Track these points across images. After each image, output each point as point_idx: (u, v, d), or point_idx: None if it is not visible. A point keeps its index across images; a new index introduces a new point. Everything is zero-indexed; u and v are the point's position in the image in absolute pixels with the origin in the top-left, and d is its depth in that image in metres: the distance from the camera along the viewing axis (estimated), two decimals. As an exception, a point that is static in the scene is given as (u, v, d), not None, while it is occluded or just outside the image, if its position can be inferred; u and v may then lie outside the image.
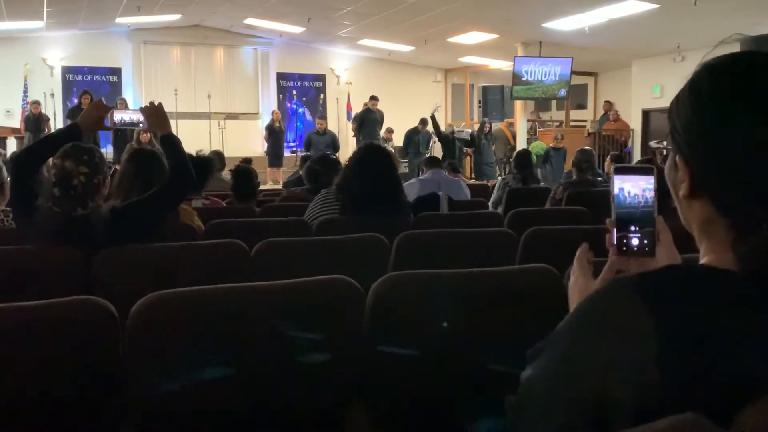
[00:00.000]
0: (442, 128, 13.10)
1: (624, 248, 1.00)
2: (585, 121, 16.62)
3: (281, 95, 16.60)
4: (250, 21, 14.50)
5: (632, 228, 1.00)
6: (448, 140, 12.21)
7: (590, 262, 1.08)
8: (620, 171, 1.00)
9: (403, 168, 11.72)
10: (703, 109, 0.85)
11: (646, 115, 14.77)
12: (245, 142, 15.13)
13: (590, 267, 1.09)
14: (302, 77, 16.81)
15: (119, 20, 13.71)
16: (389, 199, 3.52)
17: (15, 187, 2.64)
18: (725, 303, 0.78)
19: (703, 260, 0.89)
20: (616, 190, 1.00)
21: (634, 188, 0.99)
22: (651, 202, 0.99)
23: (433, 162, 6.16)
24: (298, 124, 16.51)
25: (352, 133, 13.96)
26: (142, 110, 2.88)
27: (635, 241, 0.99)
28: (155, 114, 2.85)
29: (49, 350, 1.58)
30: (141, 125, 2.91)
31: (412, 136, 13.16)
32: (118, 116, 2.88)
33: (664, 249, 1.03)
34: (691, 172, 0.87)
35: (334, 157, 5.88)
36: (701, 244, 0.90)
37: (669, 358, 0.75)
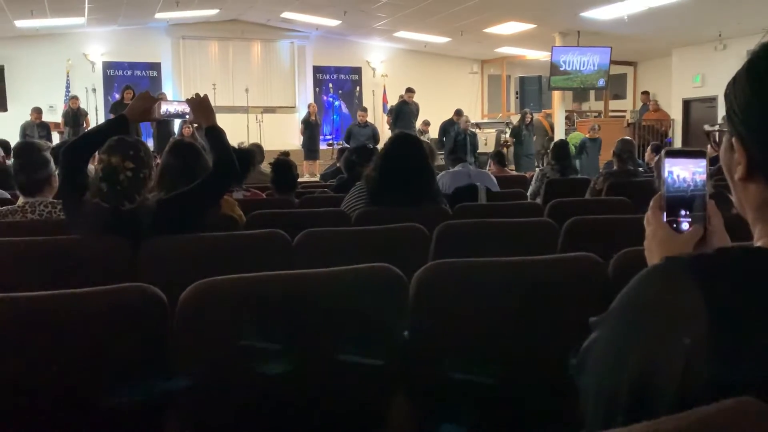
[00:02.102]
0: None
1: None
2: (624, 111, 16.39)
3: (318, 88, 16.67)
4: (286, 15, 14.58)
5: (682, 212, 0.98)
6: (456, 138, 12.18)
7: (662, 209, 1.03)
8: (671, 154, 0.99)
9: (440, 160, 11.69)
10: (761, 89, 0.84)
11: (686, 104, 14.53)
12: (282, 135, 15.23)
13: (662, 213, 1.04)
14: (338, 70, 16.85)
15: (158, 15, 13.89)
16: (420, 189, 3.52)
17: (65, 179, 2.69)
18: None
19: (757, 243, 0.88)
20: (665, 174, 0.99)
21: (683, 172, 0.98)
22: (702, 186, 0.98)
23: (458, 158, 6.25)
24: (335, 116, 16.56)
25: (388, 126, 13.98)
26: (189, 102, 2.92)
27: (685, 226, 0.99)
28: (201, 106, 2.89)
29: (101, 336, 1.62)
30: (187, 116, 2.96)
31: (447, 127, 13.12)
32: (165, 107, 2.93)
33: (715, 233, 1.02)
34: (748, 154, 0.86)
35: (372, 147, 5.90)
36: (755, 228, 0.89)
37: (721, 340, 0.74)
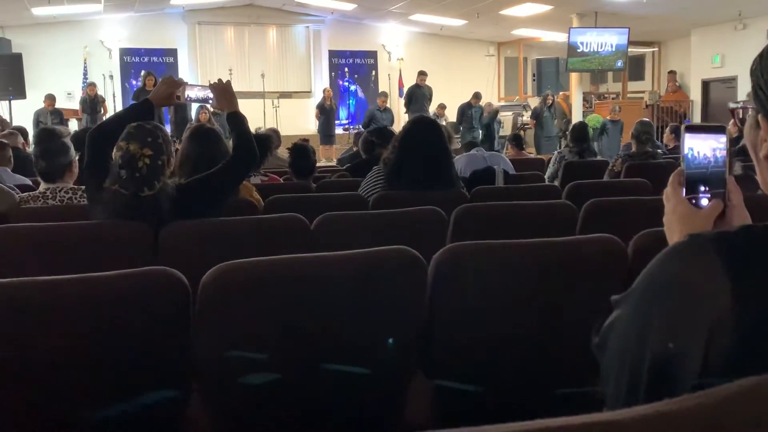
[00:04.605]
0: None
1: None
2: (643, 92, 16.23)
3: (333, 73, 16.63)
4: (301, -1, 14.56)
5: (702, 188, 0.98)
6: (488, 129, 12.13)
7: (681, 185, 1.02)
8: (691, 129, 0.98)
9: (456, 143, 11.65)
10: None
11: (706, 85, 14.37)
12: (298, 120, 15.23)
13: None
14: (354, 54, 16.80)
15: (174, 2, 13.91)
16: (437, 173, 3.51)
17: (90, 162, 2.70)
18: None
19: (781, 221, 0.87)
20: (685, 150, 0.98)
21: (704, 148, 0.97)
22: (722, 162, 0.97)
23: (471, 144, 6.29)
24: (351, 101, 16.54)
25: (404, 110, 13.96)
26: (212, 87, 2.95)
27: (705, 202, 0.98)
28: (224, 91, 2.92)
29: (123, 319, 1.64)
30: (210, 101, 2.98)
31: (465, 110, 13.06)
32: (189, 92, 2.96)
33: (735, 210, 1.02)
34: None
35: (391, 129, 5.91)
36: None
37: (744, 316, 0.74)
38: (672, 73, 15.26)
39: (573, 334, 1.35)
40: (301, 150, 4.77)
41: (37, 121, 11.74)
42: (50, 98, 12.31)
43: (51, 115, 12.01)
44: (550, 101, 12.70)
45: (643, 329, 0.83)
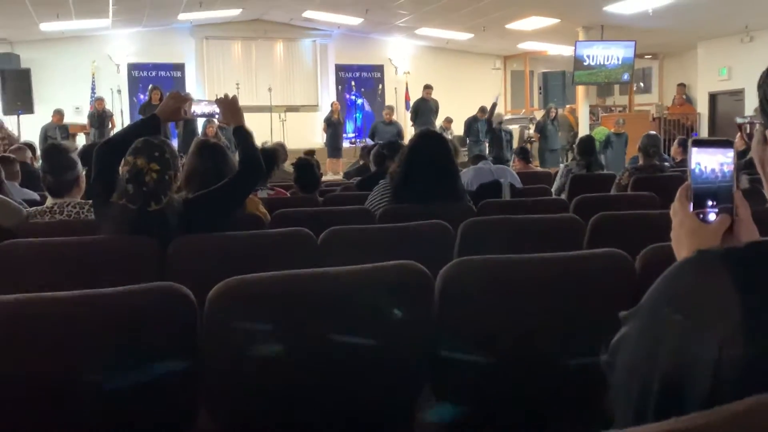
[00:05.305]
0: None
1: None
2: (650, 105, 16.23)
3: (340, 86, 16.69)
4: (308, 14, 14.61)
5: (709, 203, 0.97)
6: (494, 133, 12.07)
7: (689, 199, 1.01)
8: (698, 144, 0.98)
9: (463, 156, 11.65)
10: None
11: (713, 98, 14.35)
12: (306, 133, 15.27)
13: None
14: (361, 68, 16.86)
15: (182, 16, 13.99)
16: (444, 186, 3.51)
17: (97, 177, 2.71)
18: None
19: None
20: (692, 165, 0.97)
21: (711, 162, 0.96)
22: (729, 176, 0.96)
23: (478, 157, 6.25)
24: (357, 114, 16.58)
25: (410, 123, 13.97)
26: (218, 102, 2.96)
27: (712, 216, 0.97)
28: (230, 106, 2.93)
29: (130, 335, 1.63)
30: (216, 116, 3.00)
31: (471, 123, 13.06)
32: (195, 107, 2.98)
33: (743, 225, 1.01)
34: None
35: (402, 142, 5.92)
36: None
37: (754, 334, 0.74)
38: (681, 85, 15.23)
39: (581, 350, 1.35)
40: (305, 164, 4.78)
41: (45, 136, 11.81)
42: (58, 113, 12.38)
43: (59, 130, 12.08)
44: (554, 114, 12.69)
45: (652, 346, 0.82)
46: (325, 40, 16.52)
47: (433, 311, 1.81)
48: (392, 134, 12.05)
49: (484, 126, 13.07)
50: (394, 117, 14.00)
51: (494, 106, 12.22)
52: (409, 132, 13.99)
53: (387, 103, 15.92)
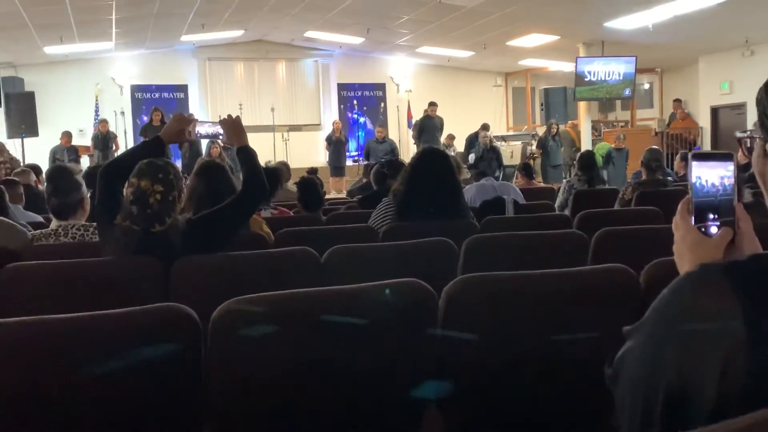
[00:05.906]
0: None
1: None
2: (651, 120, 16.26)
3: (342, 105, 16.75)
4: (310, 34, 14.70)
5: (710, 216, 0.97)
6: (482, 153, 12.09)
7: (690, 213, 1.02)
8: (698, 157, 0.98)
9: (465, 173, 11.65)
10: None
11: (714, 112, 14.37)
12: (309, 152, 15.30)
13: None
14: (363, 87, 16.94)
15: (184, 38, 14.09)
16: (447, 203, 3.51)
17: (101, 199, 2.72)
18: None
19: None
20: (693, 179, 0.98)
21: (712, 176, 0.96)
22: (730, 190, 0.96)
23: (481, 173, 6.38)
24: (360, 133, 16.63)
25: (413, 141, 14.00)
26: (221, 123, 2.98)
27: (714, 230, 0.97)
28: (233, 127, 2.95)
29: (134, 356, 1.63)
30: (220, 137, 3.02)
31: (473, 140, 13.08)
32: (199, 128, 2.99)
33: (745, 238, 1.01)
34: None
35: (402, 161, 5.94)
36: None
37: (758, 346, 0.74)
38: (677, 101, 15.27)
39: (586, 365, 1.34)
40: (308, 183, 4.79)
41: (53, 158, 11.88)
42: (67, 135, 12.48)
43: (68, 152, 12.14)
44: (555, 130, 12.70)
45: (656, 360, 0.82)
46: (327, 60, 16.62)
47: (437, 328, 1.81)
48: (385, 152, 12.10)
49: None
50: (396, 135, 14.03)
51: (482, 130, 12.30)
52: (412, 151, 14.04)
53: (390, 121, 15.98)
